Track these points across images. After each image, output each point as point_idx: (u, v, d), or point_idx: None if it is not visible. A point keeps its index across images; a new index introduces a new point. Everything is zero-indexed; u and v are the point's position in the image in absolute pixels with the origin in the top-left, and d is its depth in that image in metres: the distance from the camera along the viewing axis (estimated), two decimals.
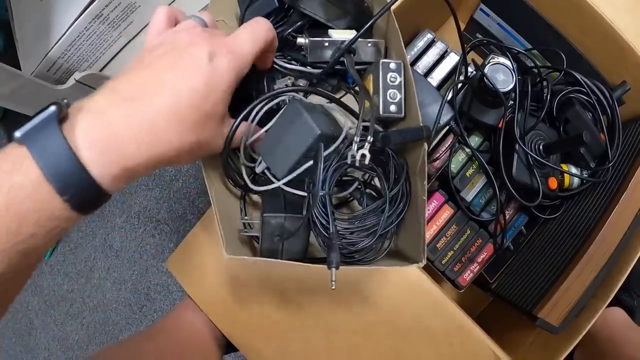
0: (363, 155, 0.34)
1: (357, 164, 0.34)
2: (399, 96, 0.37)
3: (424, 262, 0.35)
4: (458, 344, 0.44)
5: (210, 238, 0.50)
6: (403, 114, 0.38)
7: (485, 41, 0.54)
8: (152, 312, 0.87)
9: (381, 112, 0.37)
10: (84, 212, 0.24)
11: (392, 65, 0.37)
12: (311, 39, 0.38)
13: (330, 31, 0.40)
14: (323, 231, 0.37)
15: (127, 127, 0.24)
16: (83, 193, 0.24)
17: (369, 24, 0.36)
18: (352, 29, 0.41)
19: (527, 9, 0.51)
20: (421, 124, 0.36)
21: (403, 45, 0.37)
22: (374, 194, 0.43)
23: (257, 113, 0.38)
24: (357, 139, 0.34)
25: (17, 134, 0.23)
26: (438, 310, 0.45)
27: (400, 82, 0.37)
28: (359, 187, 0.43)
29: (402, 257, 0.40)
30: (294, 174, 0.37)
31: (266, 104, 0.38)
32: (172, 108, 0.26)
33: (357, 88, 0.45)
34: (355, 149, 0.34)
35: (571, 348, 0.43)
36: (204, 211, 0.85)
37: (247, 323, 0.48)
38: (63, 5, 0.63)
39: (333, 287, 0.33)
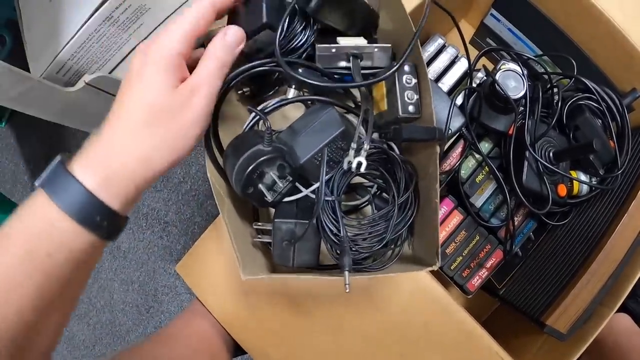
0: (359, 163, 0.34)
1: (352, 170, 0.35)
2: (415, 97, 0.38)
3: (439, 264, 0.35)
4: (467, 350, 0.45)
5: (221, 244, 0.50)
6: (419, 115, 0.38)
7: (495, 48, 0.54)
8: (159, 313, 0.88)
9: (400, 114, 0.38)
10: (107, 237, 0.28)
11: (407, 68, 0.38)
12: (319, 45, 0.39)
13: (339, 38, 0.40)
14: (332, 237, 0.38)
15: (114, 150, 0.28)
16: (101, 220, 0.27)
17: (409, 46, 0.35)
18: (361, 34, 0.42)
19: (538, 14, 0.51)
20: (435, 125, 0.36)
21: (419, 45, 0.38)
22: (388, 197, 0.43)
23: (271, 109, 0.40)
24: (354, 145, 0.34)
25: (37, 183, 0.27)
26: (447, 316, 0.45)
27: (416, 83, 0.38)
28: (375, 192, 0.43)
29: (416, 261, 0.40)
30: (317, 185, 0.37)
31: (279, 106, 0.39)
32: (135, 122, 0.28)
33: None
34: (352, 155, 0.34)
35: (578, 355, 0.43)
36: (212, 214, 0.85)
37: (257, 328, 0.49)
38: (72, 7, 0.63)
39: (347, 291, 0.34)
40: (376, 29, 0.44)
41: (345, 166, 0.35)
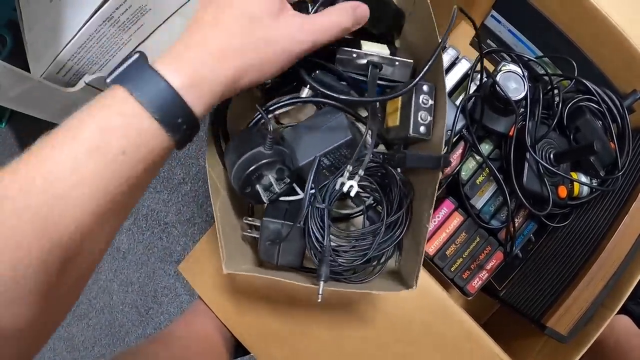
0: (351, 187, 0.34)
1: (343, 192, 0.34)
2: (429, 119, 0.37)
3: (415, 288, 0.35)
4: (467, 351, 0.45)
5: None
6: (430, 137, 0.38)
7: (496, 49, 0.54)
8: (159, 314, 0.88)
9: (410, 133, 0.37)
10: (180, 143, 0.26)
11: (425, 88, 0.37)
12: (340, 47, 0.38)
13: (362, 43, 0.39)
14: (316, 244, 0.38)
15: (207, 53, 0.26)
16: (181, 123, 0.25)
17: (427, 66, 0.34)
18: (386, 35, 0.41)
19: (539, 16, 0.51)
20: (442, 151, 0.35)
21: (443, 68, 0.37)
22: (380, 209, 0.43)
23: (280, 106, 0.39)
24: (349, 167, 0.34)
25: (109, 79, 0.25)
26: (447, 317, 0.45)
27: (432, 105, 0.37)
28: (370, 203, 0.43)
29: (399, 278, 0.40)
30: (312, 190, 0.37)
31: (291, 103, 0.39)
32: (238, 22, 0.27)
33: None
34: (347, 176, 0.34)
35: (579, 357, 0.43)
36: (212, 214, 0.85)
37: (259, 327, 0.49)
38: (73, 8, 0.63)
39: (319, 300, 0.34)
40: (400, 31, 0.43)
41: (337, 186, 0.35)
